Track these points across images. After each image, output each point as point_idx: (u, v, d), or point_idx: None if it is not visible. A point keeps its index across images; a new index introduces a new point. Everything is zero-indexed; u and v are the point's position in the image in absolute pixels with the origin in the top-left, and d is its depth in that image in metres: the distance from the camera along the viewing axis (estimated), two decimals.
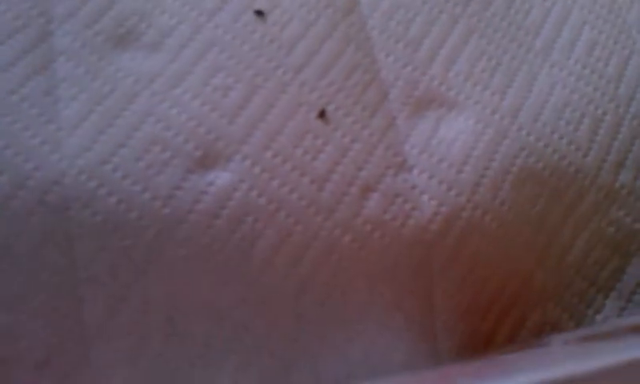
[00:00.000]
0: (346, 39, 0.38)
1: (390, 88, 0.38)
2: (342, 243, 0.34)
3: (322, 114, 0.36)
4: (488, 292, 0.36)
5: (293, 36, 0.38)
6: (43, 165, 0.31)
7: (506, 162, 0.37)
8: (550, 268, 0.37)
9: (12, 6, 0.35)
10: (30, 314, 0.30)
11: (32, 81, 0.33)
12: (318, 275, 0.33)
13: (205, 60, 0.36)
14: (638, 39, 0.43)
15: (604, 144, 0.39)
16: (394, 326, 0.34)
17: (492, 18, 0.42)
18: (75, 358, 0.30)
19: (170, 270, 0.31)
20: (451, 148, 0.37)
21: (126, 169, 0.32)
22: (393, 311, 0.34)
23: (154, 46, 0.36)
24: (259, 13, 0.38)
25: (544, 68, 0.41)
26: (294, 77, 0.37)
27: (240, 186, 0.33)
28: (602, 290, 0.38)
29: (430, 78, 0.39)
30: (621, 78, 0.42)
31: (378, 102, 0.37)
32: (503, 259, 0.36)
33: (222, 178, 0.33)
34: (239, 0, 0.38)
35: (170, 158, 0.33)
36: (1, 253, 0.29)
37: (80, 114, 0.33)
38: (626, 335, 0.32)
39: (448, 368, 0.33)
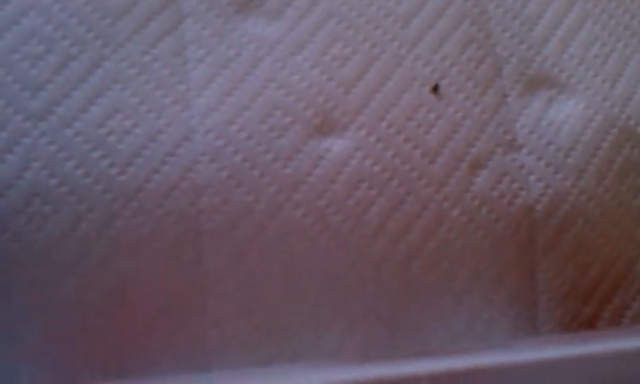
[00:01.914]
0: (461, 13, 0.39)
1: (504, 64, 0.38)
2: (450, 216, 0.35)
3: (435, 89, 0.37)
4: (590, 277, 0.36)
5: (408, 10, 0.39)
6: (174, 122, 0.33)
7: (612, 151, 0.37)
8: None
9: None
10: (154, 260, 0.31)
11: (162, 42, 0.35)
12: (426, 244, 0.34)
13: (323, 30, 0.37)
14: None
15: None
16: (497, 301, 0.35)
17: (608, 3, 0.41)
18: (192, 306, 0.32)
19: (288, 229, 0.32)
20: (560, 131, 0.37)
21: (251, 130, 0.33)
22: (497, 286, 0.35)
23: (274, 13, 0.37)
24: None
25: None
26: (409, 50, 0.37)
27: (355, 154, 0.34)
28: None
29: (544, 58, 0.39)
30: None
31: (490, 78, 0.38)
32: (605, 246, 0.37)
33: (338, 145, 0.34)
34: None
35: (290, 122, 0.34)
36: (130, 197, 0.31)
37: (207, 75, 0.34)
38: None
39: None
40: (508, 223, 0.35)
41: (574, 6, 0.40)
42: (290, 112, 0.34)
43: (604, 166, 0.37)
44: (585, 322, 0.36)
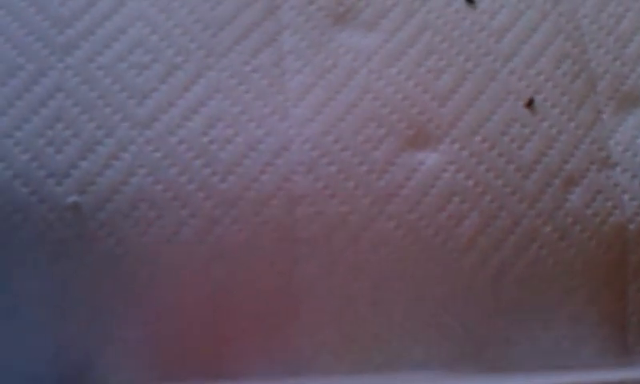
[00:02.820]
0: (555, 28, 0.38)
1: (598, 80, 0.38)
2: (543, 232, 0.35)
3: (529, 103, 0.37)
4: None
5: (503, 24, 0.38)
6: (273, 132, 0.34)
7: None
8: None
9: None
10: (251, 266, 0.32)
11: (262, 53, 0.36)
12: (518, 260, 0.34)
13: (418, 42, 0.37)
14: None
15: None
16: (587, 320, 0.34)
17: None
18: (285, 312, 0.33)
19: (380, 240, 0.33)
20: None
21: (346, 141, 0.34)
22: (587, 305, 0.34)
23: (370, 25, 0.37)
24: (470, 1, 0.39)
25: None
26: (503, 64, 0.37)
27: (448, 168, 0.35)
28: None
29: (638, 75, 0.38)
30: None
31: (585, 94, 0.37)
32: None
33: (431, 158, 0.35)
34: None
35: (384, 134, 0.35)
36: (230, 204, 0.32)
37: (304, 86, 0.35)
38: None
39: None
40: (600, 242, 0.35)
41: None
42: (385, 124, 0.35)
43: None
44: None
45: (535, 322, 0.34)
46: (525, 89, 0.37)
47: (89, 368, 0.31)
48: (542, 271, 0.34)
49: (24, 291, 0.31)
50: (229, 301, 0.32)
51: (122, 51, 0.34)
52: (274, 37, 0.36)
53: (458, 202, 0.34)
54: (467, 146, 0.35)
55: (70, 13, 0.35)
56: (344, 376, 0.33)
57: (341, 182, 0.33)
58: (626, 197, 0.35)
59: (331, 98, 0.35)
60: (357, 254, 0.33)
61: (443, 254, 0.33)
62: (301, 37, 0.36)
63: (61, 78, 0.33)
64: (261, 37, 0.36)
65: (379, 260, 0.33)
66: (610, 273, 0.35)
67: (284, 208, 0.32)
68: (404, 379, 0.33)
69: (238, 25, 0.36)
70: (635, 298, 0.35)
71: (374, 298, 0.33)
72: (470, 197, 0.34)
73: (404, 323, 0.33)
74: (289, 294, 0.32)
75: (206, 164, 0.33)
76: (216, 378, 0.32)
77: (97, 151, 0.32)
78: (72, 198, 0.32)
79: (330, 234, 0.33)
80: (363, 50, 0.36)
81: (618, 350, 0.35)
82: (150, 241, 0.32)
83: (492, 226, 0.34)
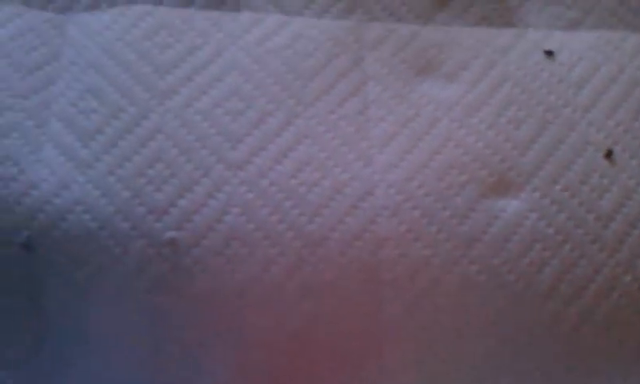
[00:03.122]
0: (633, 81, 0.39)
1: None
2: (623, 281, 0.35)
3: (608, 154, 0.37)
4: None
5: (581, 76, 0.40)
6: (358, 176, 0.36)
7: None
8: None
9: (330, 33, 0.40)
10: (337, 305, 0.34)
11: (348, 102, 0.38)
12: (598, 309, 0.35)
13: (498, 93, 0.39)
14: None
15: None
16: None
17: None
18: (369, 351, 0.34)
19: (463, 284, 0.34)
20: None
21: (429, 187, 0.36)
22: None
23: (451, 76, 0.39)
24: (549, 53, 0.40)
25: None
26: (582, 115, 0.38)
27: (530, 215, 0.36)
28: None
29: None
30: None
31: None
32: None
33: (513, 205, 0.36)
34: (530, 39, 0.40)
35: (466, 181, 0.36)
36: (317, 244, 0.34)
37: (388, 134, 0.37)
38: None
39: None
40: None
41: None
42: (466, 171, 0.36)
43: None
44: None
45: (615, 372, 0.34)
46: (603, 140, 0.38)
47: None
48: (622, 321, 0.34)
49: (121, 321, 0.33)
50: (315, 338, 0.33)
51: (218, 98, 0.37)
52: (359, 87, 0.38)
53: (540, 249, 0.35)
54: (548, 194, 0.36)
55: (170, 60, 0.37)
56: None
57: (424, 226, 0.34)
58: None
59: (414, 145, 0.36)
60: (439, 297, 0.34)
61: (525, 300, 0.34)
62: (384, 87, 0.38)
63: (161, 120, 0.36)
64: (347, 87, 0.38)
65: (461, 303, 0.34)
66: None
67: (369, 250, 0.34)
68: None
69: (325, 75, 0.38)
70: None
71: (455, 342, 0.34)
72: (551, 244, 0.35)
73: (484, 368, 0.34)
74: (372, 334, 0.34)
75: (294, 205, 0.34)
76: None
77: (194, 190, 0.35)
78: (170, 234, 0.34)
79: (414, 276, 0.34)
80: (444, 100, 0.38)
81: None
82: (241, 277, 0.33)
83: (572, 274, 0.35)
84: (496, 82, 0.39)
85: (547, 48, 0.40)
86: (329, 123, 0.36)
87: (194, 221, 0.34)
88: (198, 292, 0.33)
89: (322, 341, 0.33)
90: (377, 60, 0.39)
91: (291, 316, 0.33)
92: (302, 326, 0.33)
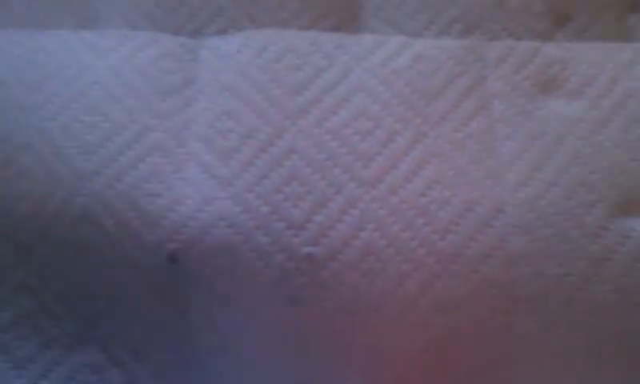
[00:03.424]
0: None
1: None
2: None
3: None
4: None
5: None
6: (488, 194, 0.37)
7: None
8: None
9: (451, 53, 0.41)
10: (469, 321, 0.35)
11: (473, 121, 0.39)
12: None
13: (624, 109, 0.39)
14: None
15: None
16: None
17: None
18: (501, 368, 0.35)
19: (597, 303, 0.35)
20: None
21: (559, 205, 0.36)
22: None
23: (575, 93, 0.40)
24: None
25: None
26: None
27: None
28: None
29: None
30: None
31: None
32: None
33: None
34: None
35: (595, 200, 0.37)
36: (450, 261, 0.35)
37: (515, 152, 0.38)
38: None
39: None
40: None
41: None
42: (595, 190, 0.37)
43: None
44: None
45: None
46: None
47: None
48: None
49: (261, 331, 0.35)
50: (448, 352, 0.35)
51: (347, 118, 0.38)
52: (483, 105, 0.39)
53: None
54: None
55: (300, 82, 0.39)
56: None
57: (556, 245, 0.35)
58: None
59: (542, 163, 0.37)
60: (573, 316, 0.35)
61: None
62: (509, 105, 0.39)
63: (294, 140, 0.38)
64: (471, 105, 0.39)
65: (595, 322, 0.34)
66: None
67: (501, 267, 0.35)
68: None
69: (449, 95, 0.39)
70: None
71: (588, 361, 0.35)
72: None
73: None
74: (505, 350, 0.35)
75: (426, 222, 0.36)
76: None
77: (328, 207, 0.36)
78: (308, 249, 0.36)
79: (548, 294, 0.35)
80: (569, 117, 0.39)
81: None
82: (376, 291, 0.35)
83: None
84: (621, 98, 0.39)
85: None
86: (456, 142, 0.38)
87: (330, 236, 0.36)
88: (334, 305, 0.35)
89: (455, 355, 0.35)
90: (499, 78, 0.40)
91: (425, 330, 0.35)
92: (436, 340, 0.35)
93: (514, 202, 0.36)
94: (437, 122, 0.38)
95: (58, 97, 0.39)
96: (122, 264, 0.36)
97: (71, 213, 0.37)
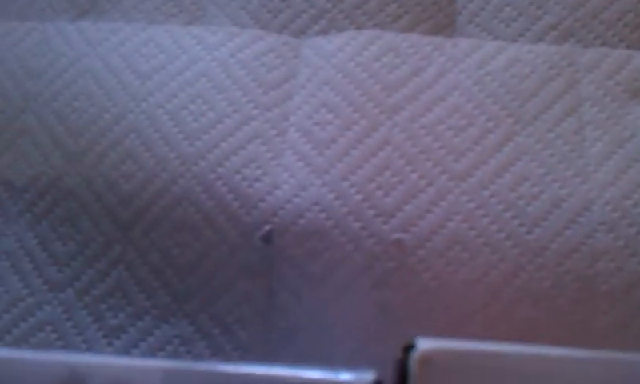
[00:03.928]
0: None
1: None
2: None
3: None
4: None
5: None
6: (575, 192, 0.38)
7: None
8: None
9: (546, 58, 0.42)
10: (553, 312, 0.36)
11: (564, 122, 0.40)
12: None
13: None
14: None
15: None
16: None
17: None
18: None
19: None
20: None
21: (625, 206, 0.37)
22: None
23: None
24: None
25: None
26: None
27: None
28: None
29: None
30: None
31: None
32: None
33: None
34: None
35: None
36: (536, 254, 0.36)
37: (604, 153, 0.39)
38: None
39: None
40: None
41: None
42: None
43: None
44: None
45: None
46: None
47: None
48: None
49: (348, 312, 0.38)
50: (529, 342, 0.36)
51: (441, 115, 0.40)
52: (574, 108, 0.40)
53: None
54: None
55: (397, 80, 0.42)
56: None
57: (639, 242, 0.36)
58: None
59: (630, 165, 0.38)
60: None
61: None
62: (600, 109, 0.40)
63: (389, 133, 0.40)
64: (563, 107, 0.40)
65: None
66: None
67: (585, 262, 0.36)
68: None
69: (542, 97, 0.41)
70: None
71: None
72: None
73: None
74: (586, 342, 0.36)
75: (514, 216, 0.37)
76: None
77: (419, 197, 0.39)
78: (396, 235, 0.38)
79: (629, 289, 0.36)
80: None
81: None
82: (462, 279, 0.37)
83: None
84: None
85: None
86: (546, 141, 0.39)
87: (419, 225, 0.38)
88: (421, 290, 0.37)
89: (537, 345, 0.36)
90: (591, 82, 0.41)
91: (508, 319, 0.36)
92: (518, 329, 0.36)
93: (600, 201, 0.37)
94: (528, 121, 0.40)
95: (166, 86, 0.43)
96: (218, 242, 0.39)
97: (173, 193, 0.40)
